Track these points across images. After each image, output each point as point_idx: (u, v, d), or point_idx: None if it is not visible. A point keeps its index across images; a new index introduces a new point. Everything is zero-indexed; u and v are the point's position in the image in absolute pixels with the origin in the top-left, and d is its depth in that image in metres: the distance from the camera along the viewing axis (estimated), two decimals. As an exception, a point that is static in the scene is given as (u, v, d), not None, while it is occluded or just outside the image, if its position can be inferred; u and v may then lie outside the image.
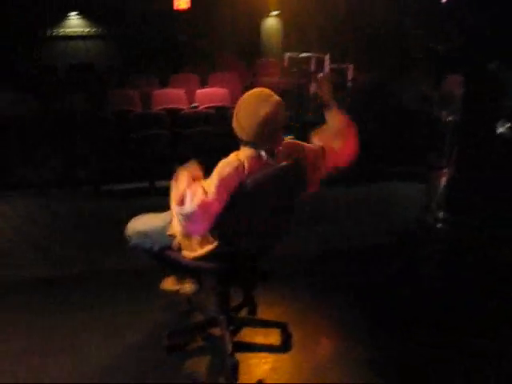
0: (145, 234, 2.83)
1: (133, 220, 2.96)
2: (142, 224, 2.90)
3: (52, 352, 2.91)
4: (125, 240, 2.95)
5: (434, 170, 4.94)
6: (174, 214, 2.55)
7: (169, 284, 3.09)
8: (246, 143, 2.59)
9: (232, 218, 2.51)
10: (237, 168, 2.50)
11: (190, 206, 2.41)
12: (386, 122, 7.55)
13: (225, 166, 2.51)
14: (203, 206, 2.40)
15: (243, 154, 2.57)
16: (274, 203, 2.64)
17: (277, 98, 2.57)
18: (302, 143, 2.81)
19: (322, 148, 2.79)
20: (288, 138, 2.77)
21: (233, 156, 2.60)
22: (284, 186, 2.65)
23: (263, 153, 2.57)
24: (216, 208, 2.44)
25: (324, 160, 2.78)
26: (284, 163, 2.59)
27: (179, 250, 2.75)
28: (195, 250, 2.67)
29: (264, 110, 2.50)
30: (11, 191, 6.32)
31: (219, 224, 2.50)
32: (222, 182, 2.45)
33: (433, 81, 8.27)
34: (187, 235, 2.65)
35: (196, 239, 2.66)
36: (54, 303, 3.52)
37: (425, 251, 4.48)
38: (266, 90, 2.60)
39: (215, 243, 2.60)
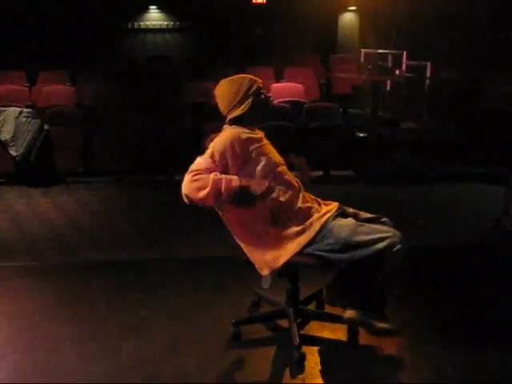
0: None
1: None
2: None
3: (126, 334, 3.04)
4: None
5: (516, 173, 4.76)
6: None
7: None
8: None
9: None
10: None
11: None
12: (468, 121, 7.33)
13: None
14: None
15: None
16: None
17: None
18: None
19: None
20: None
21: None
22: None
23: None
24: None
25: None
26: None
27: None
28: None
29: None
30: (92, 177, 6.58)
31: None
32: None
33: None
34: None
35: None
36: (129, 287, 3.66)
37: (500, 255, 4.33)
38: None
39: None
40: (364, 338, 2.94)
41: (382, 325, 2.61)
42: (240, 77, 2.82)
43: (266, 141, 2.85)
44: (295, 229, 2.63)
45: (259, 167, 2.69)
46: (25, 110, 6.57)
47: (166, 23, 12.08)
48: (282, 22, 10.74)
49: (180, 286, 3.68)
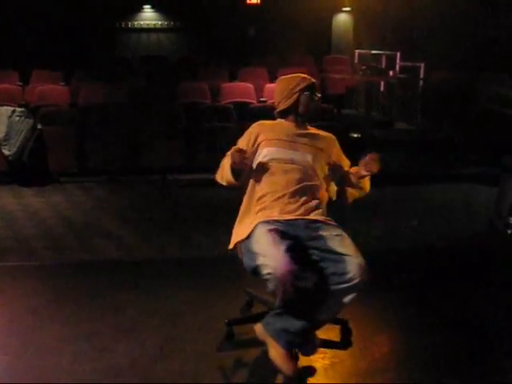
0: None
1: None
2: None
3: (119, 334, 3.03)
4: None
5: (509, 173, 4.78)
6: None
7: None
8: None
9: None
10: None
11: None
12: (461, 122, 7.36)
13: None
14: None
15: None
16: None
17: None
18: (337, 145, 2.94)
19: (348, 172, 2.88)
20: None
21: None
22: None
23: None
24: None
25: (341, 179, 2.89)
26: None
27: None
28: None
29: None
30: (85, 177, 6.57)
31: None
32: None
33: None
34: None
35: None
36: (122, 287, 3.65)
37: (493, 256, 4.35)
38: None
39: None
40: (357, 338, 2.95)
41: (273, 353, 2.47)
42: (292, 75, 2.95)
43: (302, 139, 2.82)
44: (249, 220, 2.69)
45: (259, 156, 2.78)
46: (18, 109, 6.55)
47: (160, 23, 12.07)
48: (276, 23, 10.75)
49: (173, 286, 3.67)
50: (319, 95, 2.91)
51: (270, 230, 2.50)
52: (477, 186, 6.29)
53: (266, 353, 2.83)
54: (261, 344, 2.92)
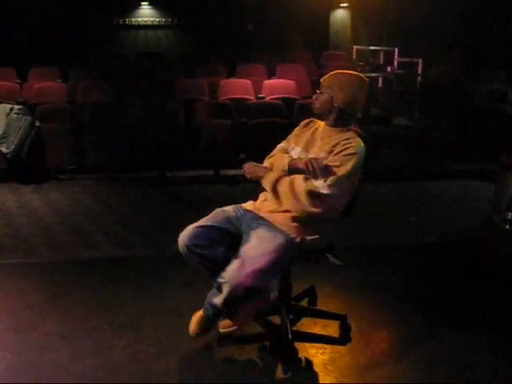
0: None
1: None
2: None
3: (118, 331, 3.04)
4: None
5: (506, 169, 4.79)
6: None
7: None
8: None
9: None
10: None
11: None
12: (459, 118, 7.37)
13: None
14: None
15: None
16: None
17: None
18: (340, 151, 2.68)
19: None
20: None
21: None
22: None
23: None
24: None
25: None
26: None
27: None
28: None
29: None
30: (83, 174, 6.56)
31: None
32: None
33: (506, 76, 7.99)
34: None
35: None
36: (121, 284, 3.66)
37: (491, 251, 4.36)
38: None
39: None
40: (356, 334, 2.96)
41: (193, 319, 2.79)
42: None
43: (320, 141, 2.73)
44: None
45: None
46: (16, 106, 6.53)
47: (157, 19, 12.05)
48: (274, 19, 10.74)
49: (172, 283, 3.68)
50: (317, 90, 2.81)
51: (217, 211, 2.80)
52: (474, 181, 6.29)
53: (265, 348, 2.86)
54: (260, 340, 2.96)
